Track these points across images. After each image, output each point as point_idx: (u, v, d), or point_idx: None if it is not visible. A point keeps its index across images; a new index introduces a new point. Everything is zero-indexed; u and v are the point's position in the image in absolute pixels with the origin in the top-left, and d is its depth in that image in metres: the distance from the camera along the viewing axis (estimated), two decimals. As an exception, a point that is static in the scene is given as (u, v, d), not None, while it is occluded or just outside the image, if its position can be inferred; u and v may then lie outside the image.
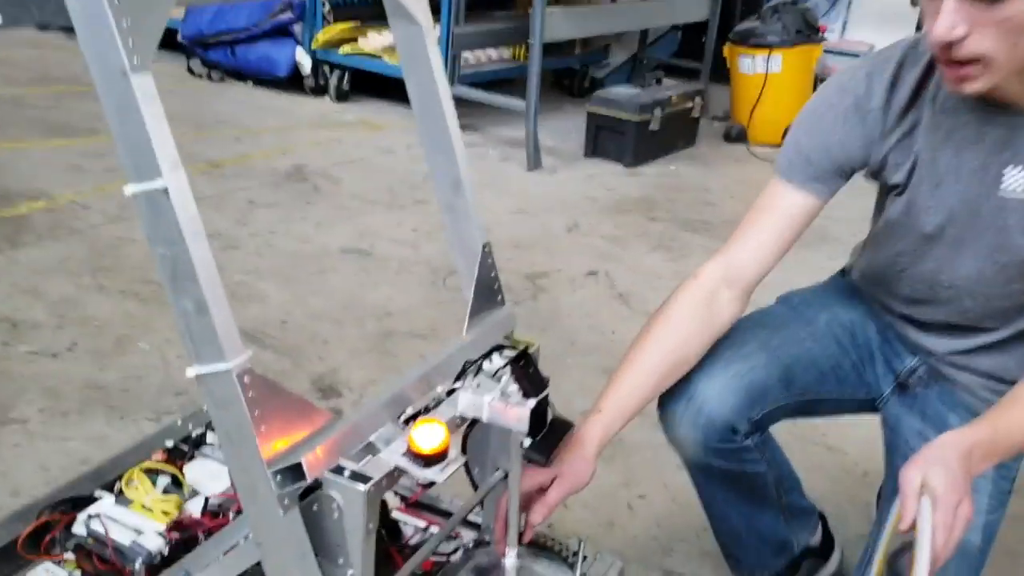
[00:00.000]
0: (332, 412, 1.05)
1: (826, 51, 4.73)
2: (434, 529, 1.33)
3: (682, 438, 1.40)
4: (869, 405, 1.48)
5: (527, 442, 1.13)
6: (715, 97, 4.87)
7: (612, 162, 4.10)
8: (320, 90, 4.80)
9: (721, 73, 4.75)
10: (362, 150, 4.02)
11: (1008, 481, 1.33)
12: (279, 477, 0.91)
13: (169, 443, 1.36)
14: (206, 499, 1.27)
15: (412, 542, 1.32)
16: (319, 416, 1.01)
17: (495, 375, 1.15)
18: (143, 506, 1.24)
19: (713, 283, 1.33)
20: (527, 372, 1.15)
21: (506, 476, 1.27)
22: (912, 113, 1.25)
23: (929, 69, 1.23)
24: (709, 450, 1.38)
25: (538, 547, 1.34)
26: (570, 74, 5.36)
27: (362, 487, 0.97)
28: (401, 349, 2.37)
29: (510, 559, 1.19)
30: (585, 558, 1.30)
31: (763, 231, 1.32)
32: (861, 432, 1.80)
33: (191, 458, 1.35)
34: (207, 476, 1.31)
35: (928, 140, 1.24)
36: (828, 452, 2.07)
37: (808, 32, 4.46)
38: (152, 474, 1.29)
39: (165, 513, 1.23)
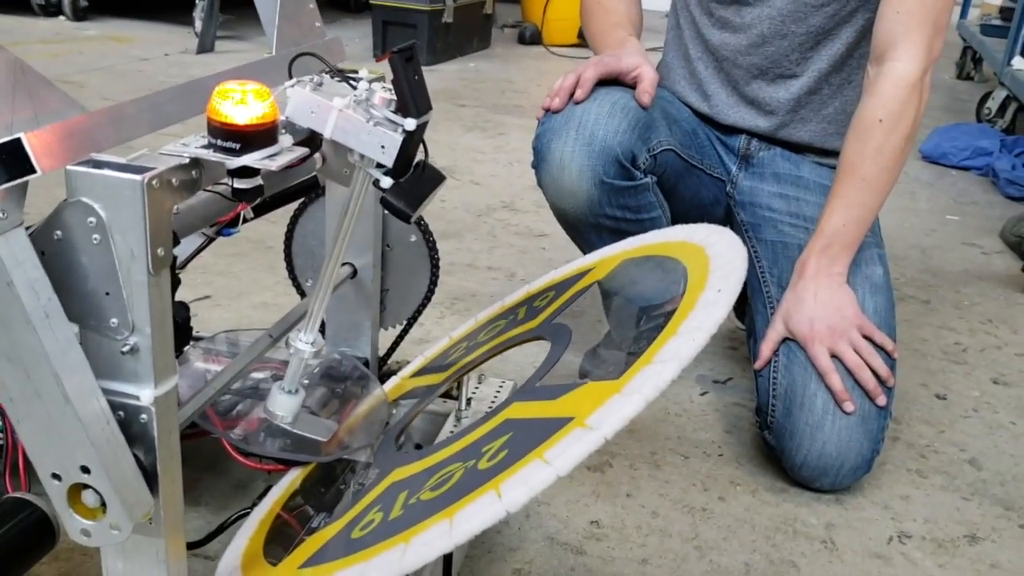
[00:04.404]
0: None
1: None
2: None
3: (575, 178, 1.17)
4: (723, 196, 1.38)
5: (386, 183, 0.76)
6: (501, 10, 4.57)
7: (405, 62, 3.70)
8: (53, 8, 4.08)
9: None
10: (109, 59, 3.40)
11: None
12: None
13: None
14: None
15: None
16: (59, 100, 0.59)
17: (362, 83, 0.76)
18: None
19: None
20: (412, 80, 0.76)
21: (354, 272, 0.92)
22: None
23: None
24: (606, 190, 1.17)
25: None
26: (345, -12, 4.90)
27: (137, 177, 0.57)
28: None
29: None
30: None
31: None
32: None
33: None
34: None
35: None
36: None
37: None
38: None
39: None
